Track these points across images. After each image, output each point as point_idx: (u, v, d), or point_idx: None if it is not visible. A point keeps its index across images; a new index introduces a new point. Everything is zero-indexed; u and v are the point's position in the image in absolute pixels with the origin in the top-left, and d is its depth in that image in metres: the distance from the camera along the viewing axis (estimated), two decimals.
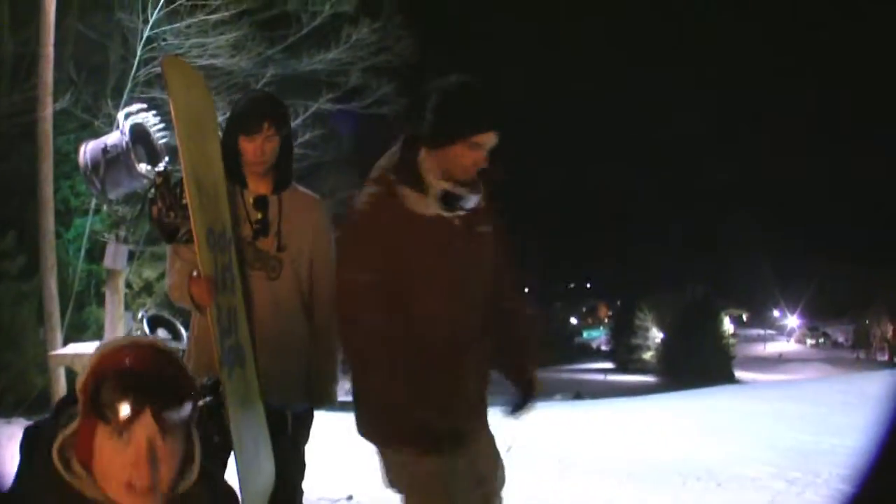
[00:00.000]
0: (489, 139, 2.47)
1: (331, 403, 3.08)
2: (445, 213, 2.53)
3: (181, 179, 2.65)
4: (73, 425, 1.53)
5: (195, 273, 2.60)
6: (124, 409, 1.47)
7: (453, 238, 2.56)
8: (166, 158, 6.92)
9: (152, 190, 2.67)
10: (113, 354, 1.54)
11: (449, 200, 2.51)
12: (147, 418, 1.48)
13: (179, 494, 1.59)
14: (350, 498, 5.34)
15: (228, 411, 2.48)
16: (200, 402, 2.27)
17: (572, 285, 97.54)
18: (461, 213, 2.55)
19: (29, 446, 1.59)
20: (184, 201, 2.59)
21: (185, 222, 2.60)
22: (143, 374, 1.51)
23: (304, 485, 3.02)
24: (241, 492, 2.48)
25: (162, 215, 2.66)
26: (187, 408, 1.56)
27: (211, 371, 2.55)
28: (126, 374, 1.51)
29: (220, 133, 2.97)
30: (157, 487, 1.50)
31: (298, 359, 2.95)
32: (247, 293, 2.82)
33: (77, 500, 1.52)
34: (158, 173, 2.75)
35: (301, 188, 3.08)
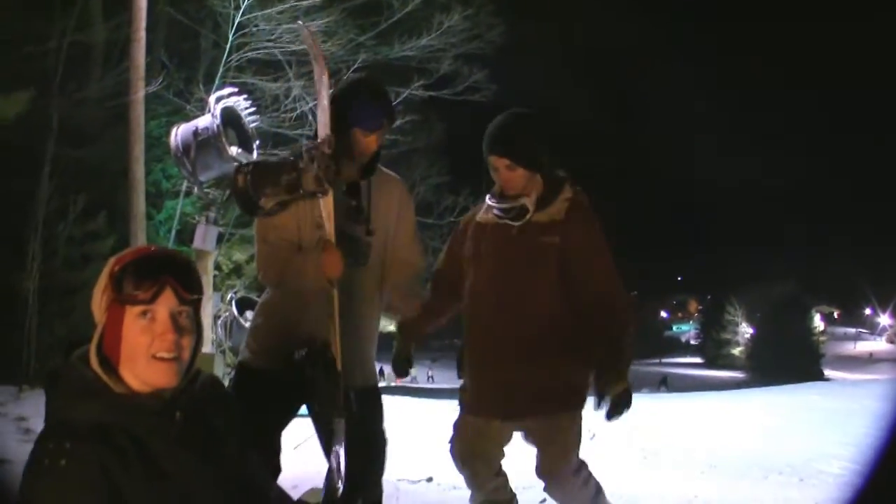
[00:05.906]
0: None
1: None
2: None
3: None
4: (98, 328, 1.69)
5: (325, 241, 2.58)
6: (148, 286, 1.66)
7: None
8: (258, 142, 6.86)
9: (305, 154, 2.48)
10: (127, 254, 1.72)
11: None
12: (168, 293, 1.67)
13: (192, 388, 1.75)
14: (430, 479, 5.32)
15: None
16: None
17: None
18: None
19: (52, 379, 1.68)
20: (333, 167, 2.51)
21: (274, 195, 2.46)
22: (159, 258, 1.72)
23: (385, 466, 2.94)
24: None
25: (250, 186, 2.45)
26: (199, 290, 1.73)
27: (298, 348, 2.50)
28: (144, 259, 1.71)
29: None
30: (181, 356, 1.69)
31: (371, 343, 2.92)
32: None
33: (112, 396, 1.64)
34: (321, 139, 2.56)
35: (382, 168, 2.99)
